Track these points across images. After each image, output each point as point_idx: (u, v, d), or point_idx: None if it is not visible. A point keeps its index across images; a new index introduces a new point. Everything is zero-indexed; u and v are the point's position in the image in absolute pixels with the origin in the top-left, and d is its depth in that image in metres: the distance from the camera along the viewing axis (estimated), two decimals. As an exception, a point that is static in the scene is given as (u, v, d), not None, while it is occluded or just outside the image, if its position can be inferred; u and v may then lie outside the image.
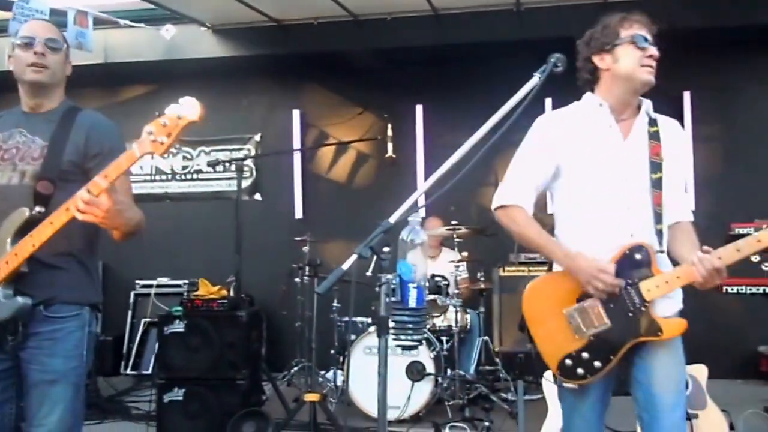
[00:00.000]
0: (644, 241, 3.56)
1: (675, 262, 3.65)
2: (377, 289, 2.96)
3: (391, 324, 3.01)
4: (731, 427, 5.92)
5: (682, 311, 3.67)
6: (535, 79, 3.20)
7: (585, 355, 3.61)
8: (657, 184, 3.62)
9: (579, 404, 3.77)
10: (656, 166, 3.65)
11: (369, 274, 3.04)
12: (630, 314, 3.55)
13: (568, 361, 3.64)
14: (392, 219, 2.98)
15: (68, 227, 3.34)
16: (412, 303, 3.00)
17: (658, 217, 3.60)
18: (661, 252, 3.58)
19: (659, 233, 3.60)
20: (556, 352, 3.69)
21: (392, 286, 3.01)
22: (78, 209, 3.20)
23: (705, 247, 3.45)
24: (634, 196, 3.62)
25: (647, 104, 3.80)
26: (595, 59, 3.76)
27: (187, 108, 3.08)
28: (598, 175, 3.66)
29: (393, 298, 3.01)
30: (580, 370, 3.63)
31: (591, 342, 3.60)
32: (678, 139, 3.77)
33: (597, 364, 3.60)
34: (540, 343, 3.79)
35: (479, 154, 3.13)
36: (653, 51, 3.70)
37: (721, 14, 9.16)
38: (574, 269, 3.60)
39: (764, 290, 6.05)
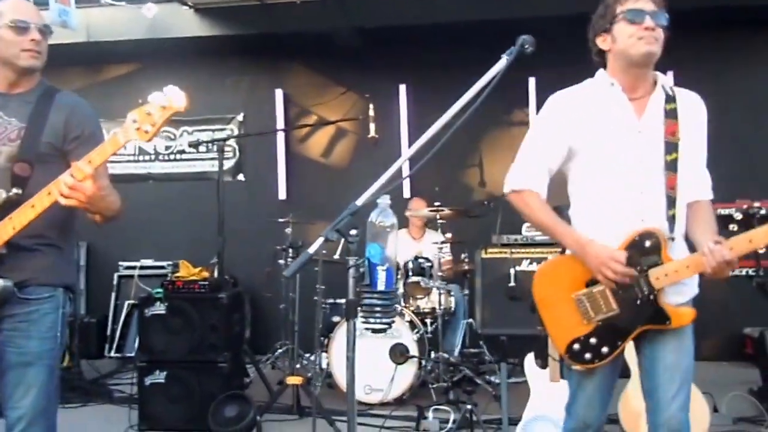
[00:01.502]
0: (654, 228, 3.50)
1: (690, 244, 3.60)
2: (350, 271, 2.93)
3: (361, 308, 2.99)
4: (715, 409, 5.89)
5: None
6: (503, 61, 3.14)
7: (593, 340, 3.62)
8: (671, 166, 3.56)
9: (585, 384, 3.76)
10: (672, 147, 3.58)
11: (336, 257, 3.01)
12: (638, 302, 3.52)
13: (576, 346, 3.64)
14: (359, 201, 2.96)
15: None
16: (381, 286, 2.97)
17: (671, 202, 3.54)
18: (672, 239, 3.51)
19: (671, 219, 3.52)
20: (565, 335, 3.68)
21: (361, 270, 2.99)
22: (61, 194, 3.19)
23: (717, 237, 3.39)
24: (647, 179, 3.55)
25: (664, 79, 3.71)
26: (598, 41, 3.71)
27: (172, 97, 3.06)
28: (611, 157, 3.60)
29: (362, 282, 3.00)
30: (587, 355, 3.63)
31: (599, 327, 3.61)
32: (697, 113, 3.69)
33: (605, 349, 3.61)
34: (549, 326, 3.77)
35: (446, 136, 3.08)
36: (648, 23, 3.55)
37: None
38: (584, 256, 3.57)
39: (746, 272, 6.03)
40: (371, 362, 7.14)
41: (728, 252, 3.29)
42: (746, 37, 9.81)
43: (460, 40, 9.81)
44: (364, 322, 3.02)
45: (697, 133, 3.66)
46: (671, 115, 3.60)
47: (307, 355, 8.44)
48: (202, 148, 10.74)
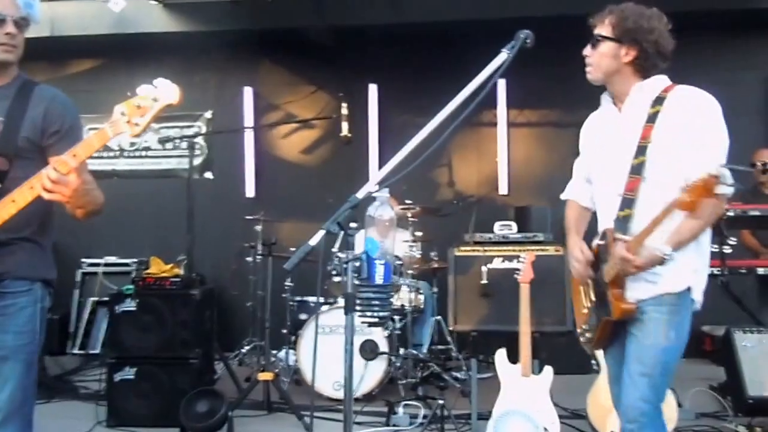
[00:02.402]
0: (608, 228, 3.75)
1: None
2: (331, 267, 2.98)
3: (357, 300, 3.01)
4: (679, 404, 5.99)
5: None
6: (504, 55, 3.19)
7: (584, 326, 4.09)
8: (635, 170, 3.70)
9: (607, 362, 4.14)
10: (640, 150, 3.70)
11: (335, 249, 3.03)
12: (602, 294, 3.80)
13: (579, 330, 4.17)
14: (359, 195, 2.96)
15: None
16: (378, 279, 3.00)
17: (624, 203, 3.69)
18: (618, 239, 3.63)
19: (624, 219, 3.66)
20: (577, 319, 4.24)
21: (356, 264, 3.02)
22: (44, 188, 3.14)
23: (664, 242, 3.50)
24: (618, 182, 3.74)
25: (649, 86, 3.81)
26: None
27: (164, 90, 3.05)
28: (598, 162, 3.99)
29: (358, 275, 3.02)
30: (588, 337, 4.07)
31: (588, 316, 4.04)
32: (681, 114, 3.68)
33: (590, 335, 4.02)
34: (575, 309, 4.32)
35: (449, 130, 3.13)
36: (585, 51, 3.90)
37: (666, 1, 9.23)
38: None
39: (711, 271, 6.12)
40: (340, 359, 7.17)
41: (621, 249, 3.55)
42: (704, 44, 9.86)
43: (431, 41, 9.88)
44: (360, 316, 3.05)
45: (679, 134, 3.66)
46: (651, 119, 3.71)
47: (275, 351, 8.45)
48: (169, 145, 10.69)
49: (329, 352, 6.49)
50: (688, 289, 3.70)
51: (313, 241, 2.87)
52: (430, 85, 9.20)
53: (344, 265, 2.95)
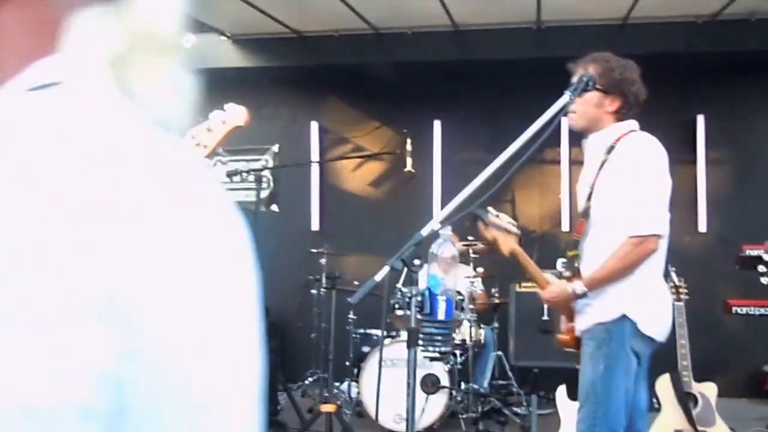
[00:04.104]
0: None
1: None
2: (395, 301, 3.07)
3: (420, 336, 3.09)
4: (737, 444, 6.02)
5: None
6: (566, 97, 3.29)
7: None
8: (584, 214, 4.01)
9: None
10: (588, 196, 3.99)
11: (399, 285, 3.12)
12: None
13: None
14: (424, 232, 3.02)
15: None
16: (441, 315, 3.08)
17: (573, 244, 4.06)
18: (559, 276, 3.99)
19: (570, 258, 4.03)
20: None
21: (419, 299, 3.09)
22: None
23: (587, 274, 3.99)
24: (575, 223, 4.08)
25: (605, 137, 4.03)
26: None
27: (233, 113, 3.17)
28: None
29: (421, 311, 3.10)
30: None
31: None
32: (620, 160, 3.92)
33: None
34: None
35: (512, 169, 3.24)
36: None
37: (736, 39, 9.28)
38: None
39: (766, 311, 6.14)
40: (402, 392, 7.24)
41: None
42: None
43: (493, 78, 9.97)
44: (423, 350, 3.13)
45: (618, 179, 3.90)
46: (600, 167, 3.95)
47: (337, 383, 8.54)
48: (236, 178, 10.83)
49: (391, 384, 6.57)
50: (623, 317, 3.82)
51: (378, 276, 2.93)
52: (493, 122, 9.31)
53: (407, 300, 3.00)
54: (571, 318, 4.09)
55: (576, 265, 4.02)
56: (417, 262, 2.99)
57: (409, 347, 2.95)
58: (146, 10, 0.93)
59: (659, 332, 3.97)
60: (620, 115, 4.05)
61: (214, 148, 3.21)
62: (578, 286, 3.80)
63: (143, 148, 0.81)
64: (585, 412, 3.90)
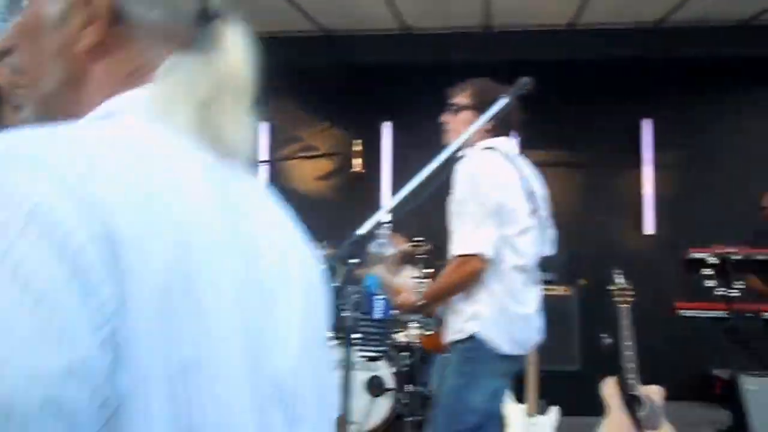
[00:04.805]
0: None
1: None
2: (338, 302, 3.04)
3: (357, 336, 3.07)
4: (685, 448, 6.05)
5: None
6: (505, 99, 3.31)
7: None
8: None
9: None
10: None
11: (338, 285, 3.08)
12: None
13: None
14: (361, 231, 3.01)
15: None
16: (377, 314, 3.06)
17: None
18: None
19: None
20: None
21: (357, 299, 3.08)
22: None
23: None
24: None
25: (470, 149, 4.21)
26: None
27: None
28: None
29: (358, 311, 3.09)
30: None
31: None
32: (456, 175, 4.08)
33: None
34: None
35: (449, 170, 3.24)
36: (444, 117, 4.50)
37: (686, 46, 9.39)
38: None
39: (719, 315, 6.17)
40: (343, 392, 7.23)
41: None
42: (721, 89, 10.06)
43: (443, 80, 9.98)
44: (359, 350, 3.11)
45: (452, 197, 4.10)
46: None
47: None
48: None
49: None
50: (475, 337, 3.94)
51: None
52: (442, 123, 9.35)
53: (344, 301, 2.99)
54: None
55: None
56: (355, 261, 2.98)
57: (345, 347, 2.94)
58: (233, 59, 1.14)
59: (516, 347, 4.08)
60: (493, 134, 4.26)
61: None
62: (419, 297, 3.93)
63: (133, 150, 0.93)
64: (444, 418, 4.01)
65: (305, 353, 1.10)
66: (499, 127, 4.20)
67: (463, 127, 4.14)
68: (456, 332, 3.97)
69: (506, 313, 4.05)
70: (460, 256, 3.93)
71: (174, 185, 0.93)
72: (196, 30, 1.14)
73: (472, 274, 3.93)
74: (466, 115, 4.26)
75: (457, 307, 4.00)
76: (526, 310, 4.24)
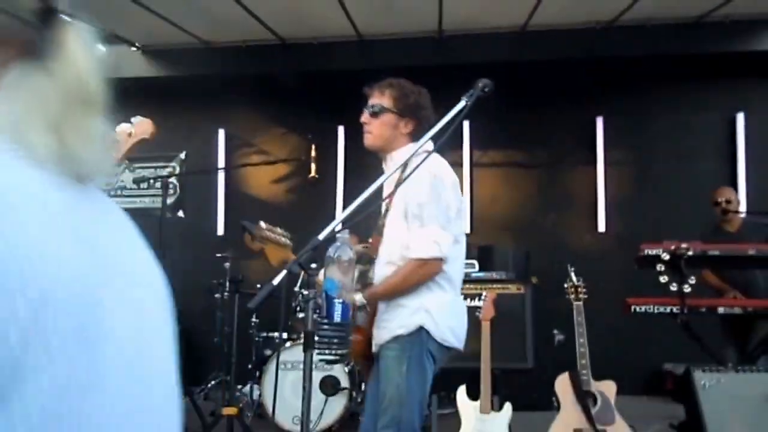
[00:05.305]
0: None
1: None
2: (296, 304, 3.09)
3: (316, 338, 3.10)
4: (638, 442, 6.12)
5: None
6: (462, 102, 3.37)
7: None
8: (379, 230, 4.24)
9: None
10: (385, 214, 4.21)
11: (297, 289, 3.15)
12: None
13: None
14: (321, 236, 3.06)
15: None
16: (337, 318, 3.12)
17: (366, 260, 4.27)
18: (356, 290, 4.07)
19: (360, 272, 4.20)
20: None
21: (317, 302, 3.12)
22: None
23: (372, 288, 4.11)
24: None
25: (401, 156, 4.15)
26: None
27: (140, 126, 3.19)
28: None
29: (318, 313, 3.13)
30: None
31: None
32: (410, 186, 4.04)
33: None
34: None
35: (409, 173, 3.33)
36: (363, 118, 4.45)
37: (635, 45, 9.51)
38: None
39: (671, 310, 6.20)
40: (301, 393, 7.23)
41: None
42: (671, 87, 10.22)
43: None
44: (318, 353, 3.16)
45: (405, 203, 4.06)
46: (396, 186, 4.11)
47: (240, 386, 8.58)
48: (143, 185, 10.82)
49: (291, 387, 6.68)
50: (421, 329, 4.01)
51: (276, 280, 2.96)
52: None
53: (304, 304, 3.05)
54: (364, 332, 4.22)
55: (370, 276, 4.23)
56: (314, 265, 3.04)
57: (305, 350, 2.98)
58: (79, 67, 1.05)
59: (455, 341, 4.16)
60: (413, 137, 4.24)
61: (120, 160, 3.22)
62: (359, 298, 3.94)
63: None
64: (389, 419, 4.01)
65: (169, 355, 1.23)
66: (423, 130, 4.10)
67: (385, 130, 4.29)
68: (399, 327, 4.02)
69: (451, 307, 4.16)
70: (420, 259, 3.96)
71: (38, 231, 0.92)
72: (37, 33, 1.06)
73: (430, 276, 4.00)
74: (388, 117, 4.29)
75: (401, 303, 4.04)
76: (463, 307, 4.37)
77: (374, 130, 4.33)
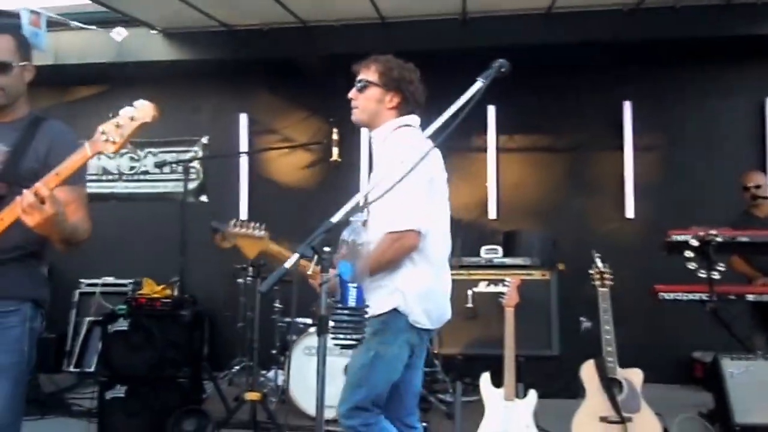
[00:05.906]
0: None
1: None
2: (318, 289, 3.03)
3: (331, 323, 3.06)
4: (665, 430, 6.05)
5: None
6: (479, 84, 3.29)
7: None
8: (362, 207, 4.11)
9: None
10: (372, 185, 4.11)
11: (309, 273, 3.08)
12: None
13: None
14: (334, 219, 3.01)
15: (15, 224, 3.29)
16: (351, 302, 3.06)
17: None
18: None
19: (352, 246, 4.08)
20: None
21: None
22: (22, 208, 3.16)
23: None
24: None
25: (385, 131, 4.31)
26: None
27: (141, 110, 3.14)
28: None
29: (333, 298, 3.08)
30: None
31: None
32: (387, 153, 4.14)
33: None
34: None
35: (422, 158, 3.26)
36: (350, 94, 4.49)
37: (663, 28, 9.38)
38: None
39: (700, 297, 6.14)
40: (328, 379, 7.21)
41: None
42: (699, 70, 10.09)
43: (421, 68, 9.98)
44: (333, 338, 3.10)
45: (383, 174, 4.02)
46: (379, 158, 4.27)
47: (264, 372, 8.55)
48: (166, 169, 10.83)
49: (313, 372, 6.60)
50: (395, 311, 4.00)
51: (288, 264, 2.92)
52: (419, 110, 9.35)
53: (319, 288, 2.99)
54: None
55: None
56: (327, 249, 2.98)
57: (318, 335, 2.94)
58: None
59: (432, 322, 4.18)
60: (399, 111, 4.30)
61: (122, 144, 3.17)
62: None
63: None
64: (348, 393, 4.07)
65: None
66: (409, 104, 4.27)
67: (370, 104, 4.32)
68: (379, 307, 3.99)
69: (427, 288, 4.13)
70: (395, 232, 3.95)
71: None
72: None
73: (407, 250, 3.97)
74: (373, 91, 4.33)
75: (380, 283, 4.02)
76: (445, 287, 4.36)
77: (360, 104, 4.39)
